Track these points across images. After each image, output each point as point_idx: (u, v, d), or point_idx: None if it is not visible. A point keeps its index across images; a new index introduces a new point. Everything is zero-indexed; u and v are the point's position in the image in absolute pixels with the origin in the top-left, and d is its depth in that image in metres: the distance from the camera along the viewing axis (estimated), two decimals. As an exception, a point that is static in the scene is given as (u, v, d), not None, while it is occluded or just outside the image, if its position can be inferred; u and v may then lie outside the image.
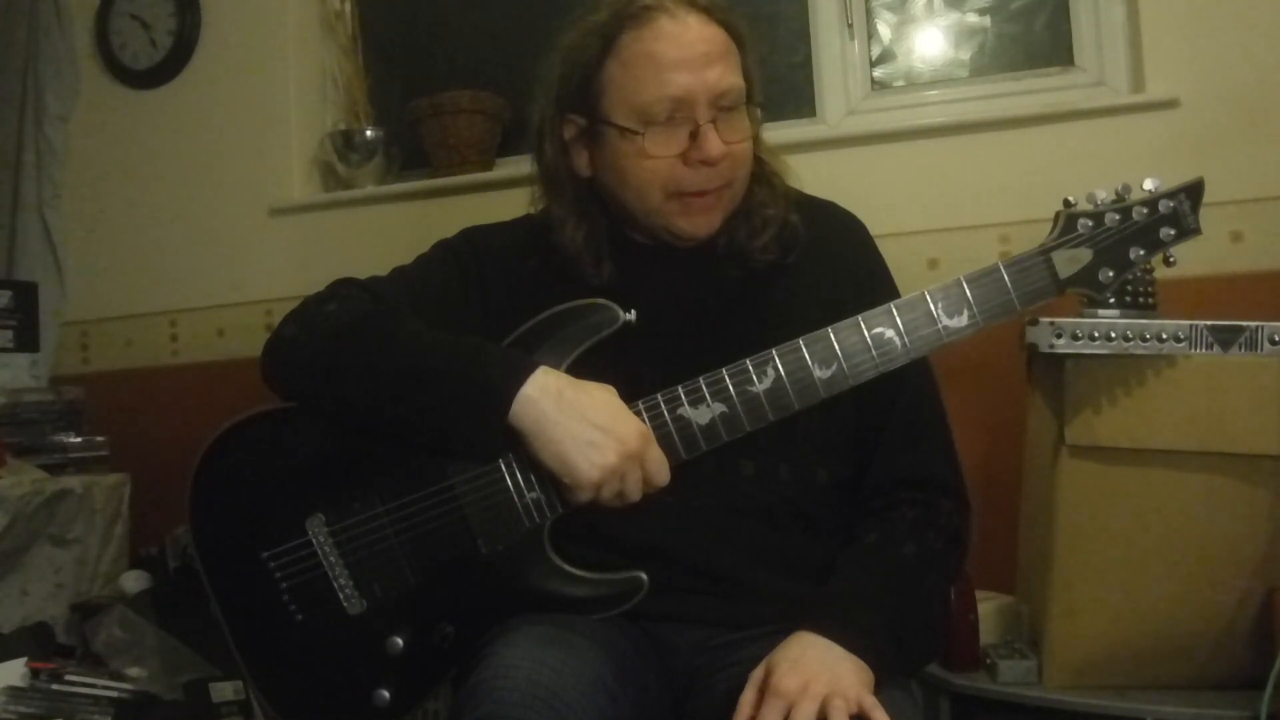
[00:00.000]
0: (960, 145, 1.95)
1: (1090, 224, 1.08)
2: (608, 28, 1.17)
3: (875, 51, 2.15)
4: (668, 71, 1.13)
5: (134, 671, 1.79)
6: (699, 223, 1.19)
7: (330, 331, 1.16)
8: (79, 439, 2.18)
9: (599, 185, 1.23)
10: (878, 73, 2.15)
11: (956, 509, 1.19)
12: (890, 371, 1.16)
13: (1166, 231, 1.09)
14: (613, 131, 1.17)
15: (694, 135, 1.14)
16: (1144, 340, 1.36)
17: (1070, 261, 1.08)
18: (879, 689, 1.00)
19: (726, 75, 1.15)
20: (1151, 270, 1.42)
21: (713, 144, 1.13)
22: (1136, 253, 1.09)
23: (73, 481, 2.06)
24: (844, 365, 1.08)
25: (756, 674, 1.00)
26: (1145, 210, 1.09)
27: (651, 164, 1.16)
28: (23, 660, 1.76)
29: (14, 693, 1.70)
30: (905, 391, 1.20)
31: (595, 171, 1.22)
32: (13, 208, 2.42)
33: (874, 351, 1.08)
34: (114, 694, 1.73)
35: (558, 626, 1.04)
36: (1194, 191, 1.10)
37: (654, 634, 1.13)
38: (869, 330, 1.08)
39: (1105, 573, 1.40)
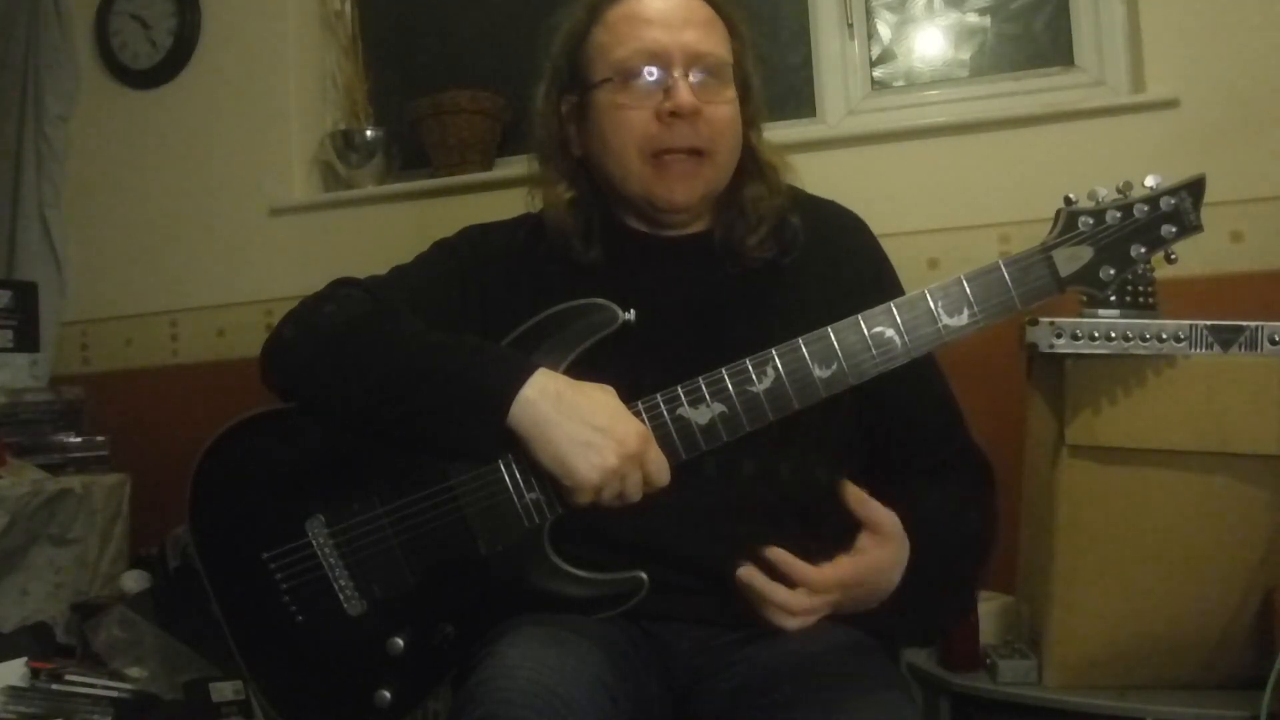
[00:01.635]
0: (960, 145, 1.95)
1: (1091, 222, 1.08)
2: (596, 1, 1.22)
3: (875, 51, 2.15)
4: (644, 27, 1.17)
5: (134, 671, 1.79)
6: (676, 189, 1.19)
7: (328, 332, 1.15)
8: (79, 439, 2.19)
9: (589, 163, 1.24)
10: (878, 73, 2.15)
11: (989, 492, 1.23)
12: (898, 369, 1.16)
13: (1168, 229, 1.08)
14: (594, 92, 1.19)
15: (668, 91, 1.16)
16: (1144, 340, 1.36)
17: (1071, 259, 1.08)
18: (873, 686, 1.02)
19: (706, 40, 1.17)
20: (1152, 270, 1.43)
21: (682, 93, 1.15)
22: (1138, 250, 1.08)
23: (73, 481, 2.06)
24: (844, 364, 1.08)
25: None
26: (1146, 208, 1.08)
27: (625, 117, 1.17)
28: (23, 660, 1.76)
29: (14, 693, 1.70)
30: (921, 379, 1.21)
31: (585, 149, 1.24)
32: (13, 208, 2.42)
33: (874, 350, 1.08)
34: (114, 694, 1.73)
35: (558, 627, 1.04)
36: (1195, 188, 1.09)
37: (654, 634, 1.13)
38: (869, 329, 1.08)
39: (1105, 573, 1.40)
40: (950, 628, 1.27)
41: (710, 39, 1.18)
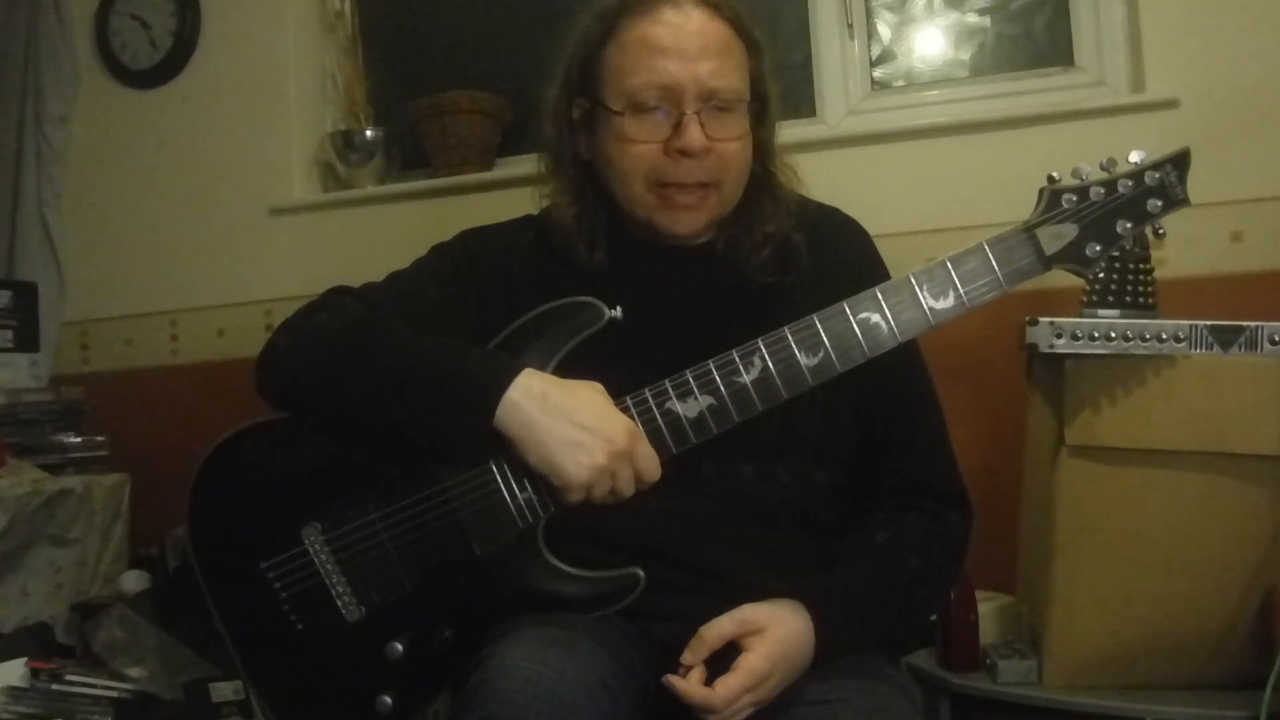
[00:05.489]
0: (960, 145, 1.95)
1: (1075, 199, 1.08)
2: (611, 12, 1.18)
3: (875, 51, 2.15)
4: (659, 58, 1.14)
5: (134, 671, 1.79)
6: (679, 220, 1.18)
7: (320, 341, 1.15)
8: (79, 439, 2.19)
9: (596, 170, 1.23)
10: (878, 73, 2.15)
11: (963, 523, 1.20)
12: (890, 374, 1.16)
13: (1154, 203, 1.07)
14: (604, 113, 1.18)
15: (677, 125, 1.14)
16: (1144, 340, 1.37)
17: (1056, 237, 1.07)
18: (873, 685, 1.03)
19: (721, 73, 1.14)
20: (1151, 270, 1.43)
21: (693, 135, 1.13)
22: (1124, 226, 1.07)
23: (73, 481, 2.06)
24: (831, 352, 1.07)
25: (735, 623, 1.03)
26: (1131, 183, 1.07)
27: (634, 149, 1.16)
28: (23, 660, 1.76)
29: (14, 693, 1.70)
30: (910, 397, 1.21)
31: (593, 157, 1.23)
32: (13, 208, 2.42)
33: (861, 337, 1.07)
34: (114, 694, 1.73)
35: (558, 627, 1.04)
36: (1180, 162, 1.08)
37: (654, 634, 1.12)
38: (855, 316, 1.07)
39: (1105, 573, 1.40)
40: (898, 654, 1.26)
41: (726, 69, 1.15)
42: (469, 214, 1.41)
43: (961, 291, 1.07)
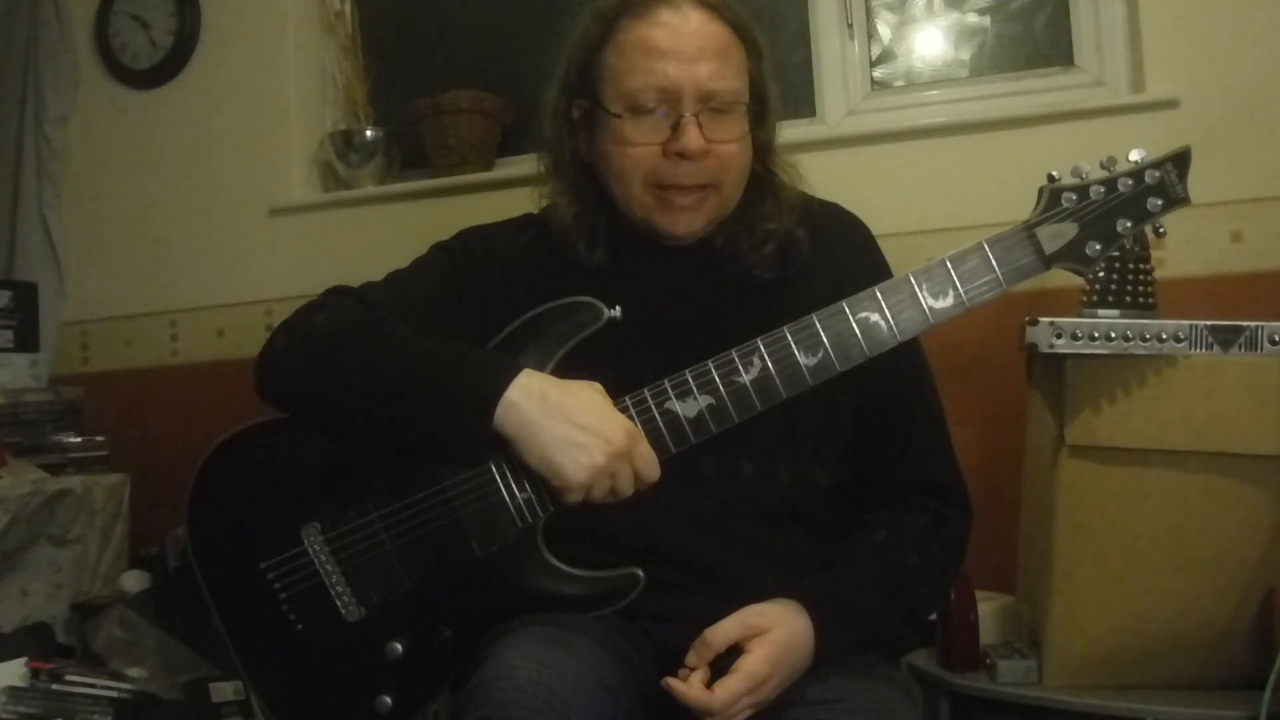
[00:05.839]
0: (960, 145, 1.95)
1: (1075, 198, 1.07)
2: (610, 13, 1.18)
3: (875, 51, 2.15)
4: (657, 60, 1.14)
5: (134, 671, 1.79)
6: (678, 221, 1.18)
7: (319, 342, 1.16)
8: (79, 439, 2.19)
9: (596, 171, 1.23)
10: (878, 73, 2.15)
11: (963, 521, 1.20)
12: (891, 372, 1.16)
13: (1154, 201, 1.07)
14: (603, 115, 1.18)
15: (676, 127, 1.14)
16: (1144, 340, 1.36)
17: (1055, 236, 1.07)
18: (873, 685, 1.03)
19: (720, 75, 1.14)
20: (1151, 270, 1.43)
21: (691, 137, 1.13)
22: (1124, 224, 1.07)
23: (73, 481, 2.06)
24: (830, 352, 1.07)
25: (740, 626, 1.03)
26: (1131, 181, 1.07)
27: (632, 151, 1.16)
28: (23, 660, 1.76)
29: (14, 693, 1.71)
30: (910, 393, 1.21)
31: (592, 157, 1.23)
32: (13, 208, 2.42)
33: (860, 337, 1.07)
34: (114, 694, 1.74)
35: (558, 627, 1.04)
36: (1180, 160, 1.08)
37: (654, 634, 1.13)
38: (854, 315, 1.07)
39: (1105, 573, 1.40)
40: (898, 652, 1.27)
41: (725, 71, 1.15)
42: (469, 214, 1.41)
43: (961, 291, 1.07)
